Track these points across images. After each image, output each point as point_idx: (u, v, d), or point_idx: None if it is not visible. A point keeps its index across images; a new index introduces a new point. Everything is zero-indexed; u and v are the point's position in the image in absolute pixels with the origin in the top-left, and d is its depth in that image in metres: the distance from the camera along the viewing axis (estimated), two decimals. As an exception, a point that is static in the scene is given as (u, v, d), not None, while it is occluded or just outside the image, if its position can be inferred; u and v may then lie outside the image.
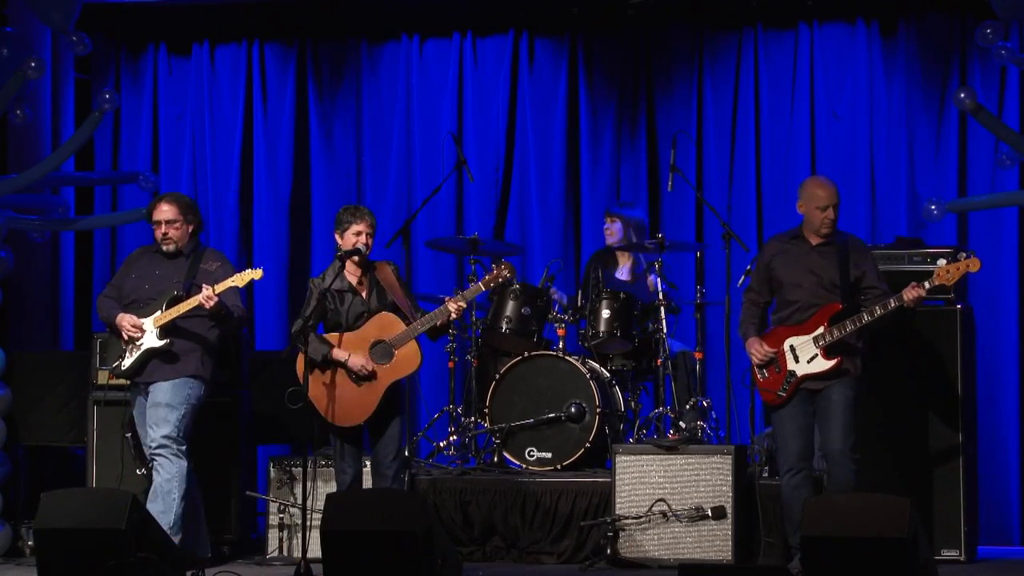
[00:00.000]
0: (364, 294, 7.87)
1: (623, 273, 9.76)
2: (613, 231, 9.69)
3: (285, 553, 8.73)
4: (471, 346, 9.48)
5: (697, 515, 8.27)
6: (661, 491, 8.33)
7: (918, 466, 8.39)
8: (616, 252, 9.79)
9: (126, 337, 7.91)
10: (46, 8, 9.67)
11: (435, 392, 10.22)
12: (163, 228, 8.04)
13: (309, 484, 7.89)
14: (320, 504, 7.80)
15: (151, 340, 7.89)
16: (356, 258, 7.85)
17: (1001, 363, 9.88)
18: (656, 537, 8.32)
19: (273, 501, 8.81)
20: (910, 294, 7.53)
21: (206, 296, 7.76)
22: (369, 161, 10.88)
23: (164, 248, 8.04)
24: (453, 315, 7.81)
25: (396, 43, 10.85)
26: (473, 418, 9.30)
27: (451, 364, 9.53)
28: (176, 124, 11.02)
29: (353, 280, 7.89)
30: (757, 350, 7.79)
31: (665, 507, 8.29)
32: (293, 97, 10.90)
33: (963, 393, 8.47)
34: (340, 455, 7.87)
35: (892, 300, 7.57)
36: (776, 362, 7.77)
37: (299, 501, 8.48)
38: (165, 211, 8.05)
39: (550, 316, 9.37)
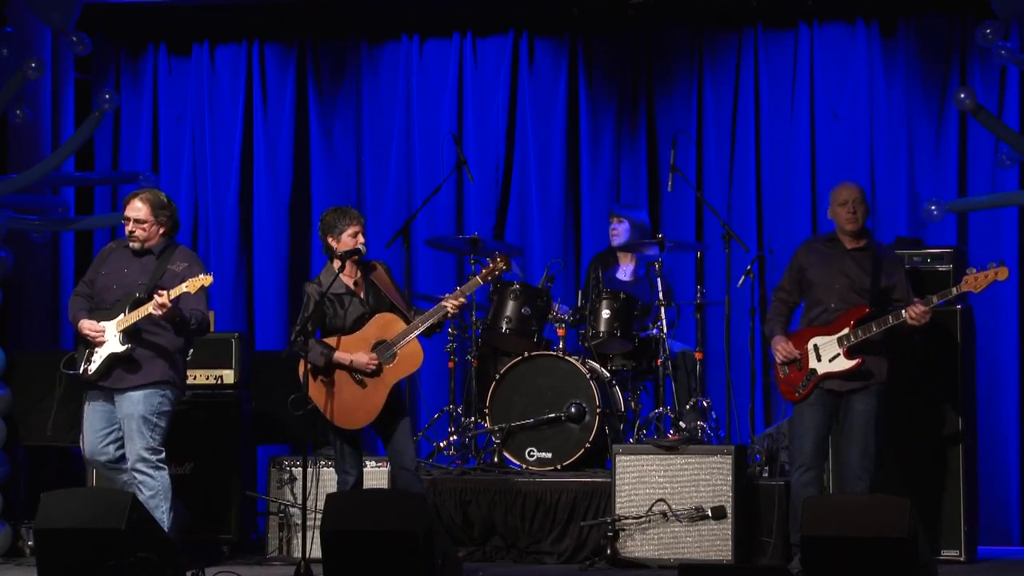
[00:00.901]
0: (362, 295, 7.85)
1: (625, 274, 9.77)
2: (620, 231, 9.70)
3: (285, 553, 8.73)
4: (471, 346, 9.49)
5: (697, 515, 8.27)
6: (661, 491, 8.34)
7: (918, 466, 8.39)
8: (618, 253, 9.80)
9: (89, 339, 7.74)
10: (46, 8, 9.67)
11: (435, 392, 10.22)
12: (130, 225, 7.83)
13: (309, 484, 7.89)
14: (320, 504, 7.81)
15: (113, 345, 7.70)
16: (355, 258, 7.83)
17: (1001, 363, 9.89)
18: (656, 537, 8.32)
19: (273, 501, 8.82)
20: (913, 311, 7.59)
21: (159, 304, 7.54)
22: (369, 161, 10.88)
23: (130, 245, 7.85)
24: (451, 311, 7.77)
25: (396, 43, 10.85)
26: (473, 418, 9.30)
27: (451, 364, 9.53)
28: (176, 124, 11.02)
29: (350, 282, 7.86)
30: (782, 348, 7.83)
31: (665, 507, 8.29)
32: (293, 97, 10.90)
33: (963, 393, 8.48)
34: (341, 457, 7.84)
35: (903, 311, 7.64)
36: (799, 361, 7.81)
37: (299, 501, 8.48)
38: (138, 209, 7.83)
39: (550, 316, 9.38)
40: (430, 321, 7.75)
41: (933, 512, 8.28)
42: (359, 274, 7.87)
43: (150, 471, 7.70)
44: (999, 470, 9.78)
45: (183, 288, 7.61)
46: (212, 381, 8.95)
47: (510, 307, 9.30)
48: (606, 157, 10.62)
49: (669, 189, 9.44)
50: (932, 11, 10.16)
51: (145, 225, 7.83)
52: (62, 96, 10.61)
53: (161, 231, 7.88)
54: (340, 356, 7.71)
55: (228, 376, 8.96)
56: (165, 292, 7.58)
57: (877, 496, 7.14)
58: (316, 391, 7.72)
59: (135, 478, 7.70)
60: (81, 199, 10.72)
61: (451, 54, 10.77)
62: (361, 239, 7.81)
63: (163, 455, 7.75)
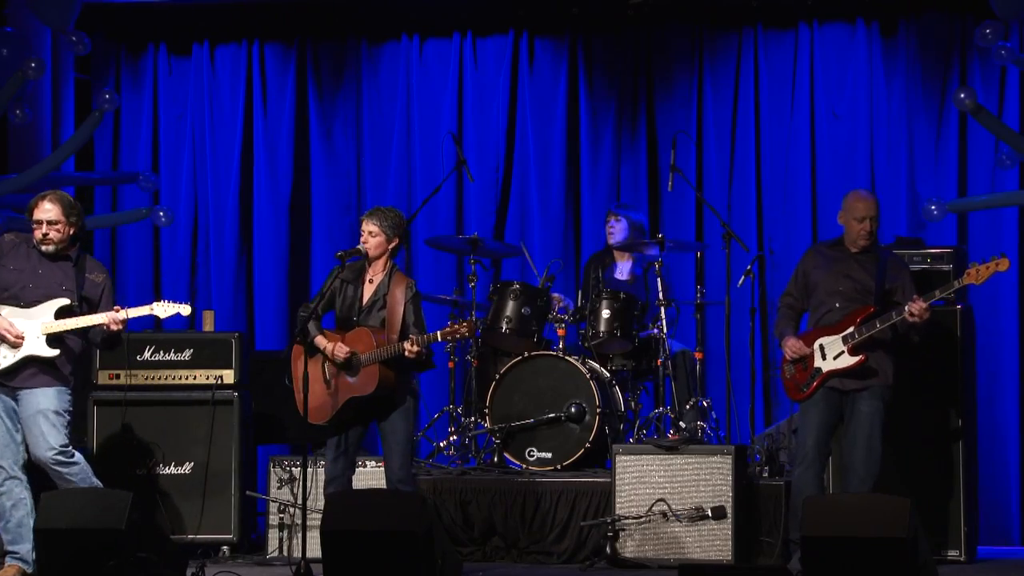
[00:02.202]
0: (365, 298, 7.81)
1: (622, 273, 9.77)
2: (617, 230, 9.69)
3: (285, 553, 8.73)
4: (471, 346, 9.48)
5: (697, 515, 8.27)
6: (661, 491, 8.33)
7: (918, 466, 8.39)
8: (615, 251, 9.79)
9: (8, 340, 7.55)
10: (46, 8, 9.68)
11: (435, 392, 10.22)
12: (44, 228, 7.59)
13: (309, 484, 7.88)
14: (320, 504, 7.80)
15: (37, 347, 7.54)
16: (358, 257, 7.80)
17: (1001, 363, 9.89)
18: (656, 537, 8.32)
19: (273, 501, 8.81)
20: (913, 307, 7.61)
21: (118, 319, 7.49)
22: (369, 161, 10.88)
23: (43, 249, 7.63)
24: (406, 353, 7.56)
25: (396, 43, 10.85)
26: (473, 418, 9.30)
27: (451, 364, 9.53)
28: (176, 124, 11.02)
29: (366, 276, 7.81)
30: (791, 345, 7.87)
31: (665, 507, 8.29)
32: (293, 97, 10.90)
33: (963, 393, 8.48)
34: (329, 449, 7.81)
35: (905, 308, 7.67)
36: (805, 360, 7.83)
37: (299, 501, 8.48)
38: (48, 210, 7.60)
39: (550, 316, 9.37)
40: (384, 355, 7.60)
41: (933, 512, 8.27)
42: (380, 277, 7.81)
43: (69, 458, 7.60)
44: (999, 470, 9.78)
45: (147, 311, 7.60)
46: (212, 381, 8.94)
47: (510, 307, 9.30)
48: (606, 157, 10.62)
49: (669, 189, 9.43)
50: (932, 11, 10.17)
51: (59, 226, 7.61)
52: (62, 96, 10.61)
53: (71, 232, 7.68)
54: (319, 341, 7.70)
55: (228, 376, 8.95)
56: (122, 309, 7.52)
57: (877, 496, 7.15)
58: (297, 376, 7.70)
59: (58, 470, 7.56)
60: (81, 199, 10.66)
61: (451, 54, 10.77)
62: (364, 238, 7.75)
63: (71, 446, 7.66)
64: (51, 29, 10.06)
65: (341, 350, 7.63)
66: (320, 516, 7.24)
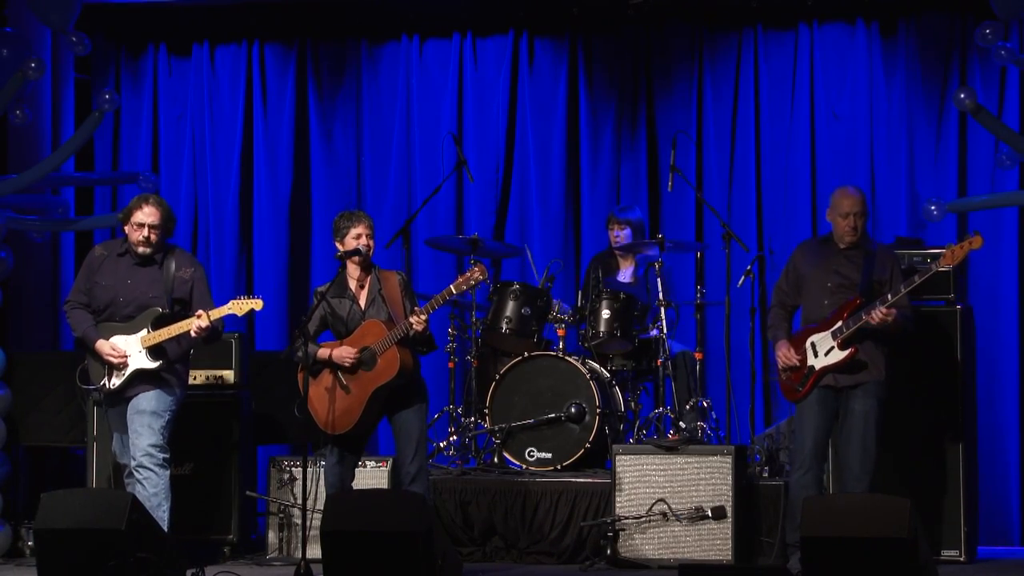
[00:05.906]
0: (362, 301, 7.81)
1: (625, 276, 9.77)
2: (623, 237, 9.69)
3: (285, 553, 8.73)
4: (471, 346, 9.49)
5: (697, 515, 8.27)
6: (661, 491, 8.34)
7: (918, 466, 8.39)
8: (618, 256, 9.79)
9: (115, 364, 7.75)
10: (46, 8, 9.67)
11: (435, 392, 10.17)
12: (146, 231, 7.75)
13: (309, 484, 7.89)
14: (320, 504, 7.80)
15: (141, 361, 7.72)
16: (357, 259, 7.80)
17: (1001, 363, 9.89)
18: (656, 537, 8.32)
19: (273, 501, 8.82)
20: (875, 314, 7.61)
21: (201, 327, 7.62)
22: (369, 161, 10.88)
23: (140, 251, 7.79)
24: (414, 327, 7.62)
25: (396, 43, 10.85)
26: (473, 418, 9.31)
27: (451, 364, 9.54)
28: (176, 124, 11.02)
29: (355, 285, 7.83)
30: (784, 354, 7.85)
31: (665, 507, 8.29)
32: (293, 97, 10.90)
33: (963, 393, 8.48)
34: (332, 451, 7.83)
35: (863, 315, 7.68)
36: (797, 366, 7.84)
37: (299, 501, 8.48)
38: (151, 214, 7.76)
39: (550, 316, 9.38)
40: (399, 335, 7.66)
41: (933, 512, 8.28)
42: (368, 279, 7.83)
43: (155, 467, 7.73)
44: (999, 470, 9.78)
45: (226, 311, 7.71)
46: (212, 381, 8.95)
47: (510, 307, 9.31)
48: (606, 157, 10.62)
49: (669, 189, 9.44)
50: (932, 11, 10.17)
51: (159, 231, 7.81)
52: (62, 96, 10.61)
53: (165, 238, 7.91)
54: (322, 352, 7.70)
55: (228, 376, 8.96)
56: (205, 314, 7.64)
57: (877, 496, 7.14)
58: (313, 396, 7.70)
59: (139, 474, 7.70)
60: (81, 199, 10.72)
61: (451, 54, 10.77)
62: (365, 240, 7.79)
63: (168, 455, 7.78)
64: (51, 29, 10.05)
65: (348, 353, 7.64)
66: (320, 516, 7.24)
